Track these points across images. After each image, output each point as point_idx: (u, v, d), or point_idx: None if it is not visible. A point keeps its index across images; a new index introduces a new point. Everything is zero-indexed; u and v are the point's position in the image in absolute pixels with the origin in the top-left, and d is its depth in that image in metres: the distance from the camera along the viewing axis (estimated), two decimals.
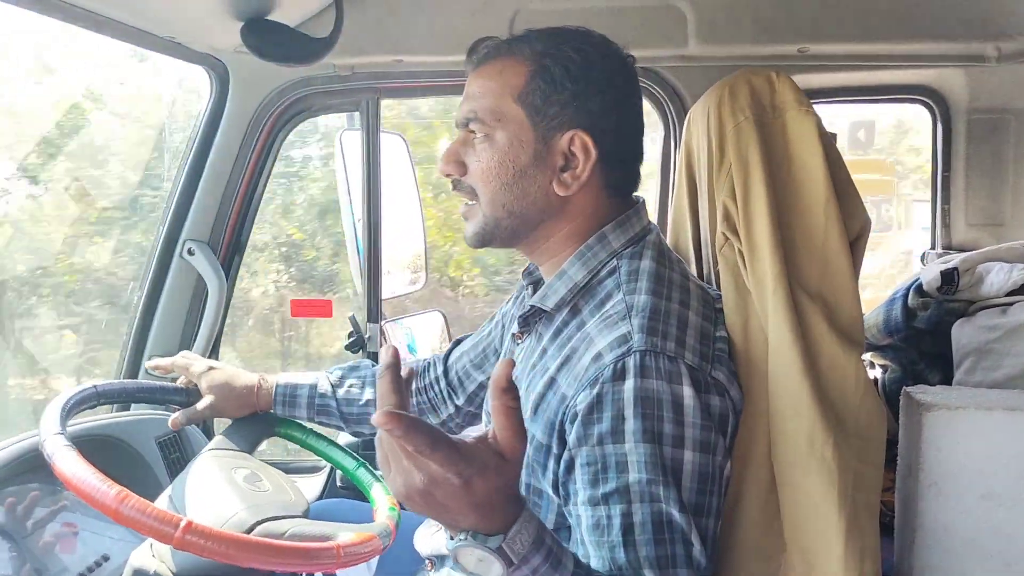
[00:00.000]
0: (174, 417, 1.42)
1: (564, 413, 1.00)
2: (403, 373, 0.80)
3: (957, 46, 1.73)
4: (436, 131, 4.51)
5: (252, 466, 1.31)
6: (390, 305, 2.08)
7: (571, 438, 0.98)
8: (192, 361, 1.49)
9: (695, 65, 1.80)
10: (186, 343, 1.87)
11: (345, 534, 1.15)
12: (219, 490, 1.21)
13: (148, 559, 1.19)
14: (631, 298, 1.04)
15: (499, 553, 0.79)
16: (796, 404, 1.02)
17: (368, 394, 1.48)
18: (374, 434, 0.81)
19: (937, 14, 1.69)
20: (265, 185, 1.93)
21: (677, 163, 1.69)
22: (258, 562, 1.05)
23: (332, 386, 1.50)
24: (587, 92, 1.09)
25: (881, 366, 1.67)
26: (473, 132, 1.11)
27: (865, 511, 1.01)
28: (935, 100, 1.90)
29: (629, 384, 0.96)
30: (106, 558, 1.37)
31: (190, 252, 1.85)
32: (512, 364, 0.76)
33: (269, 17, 1.51)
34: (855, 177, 1.16)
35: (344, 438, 1.78)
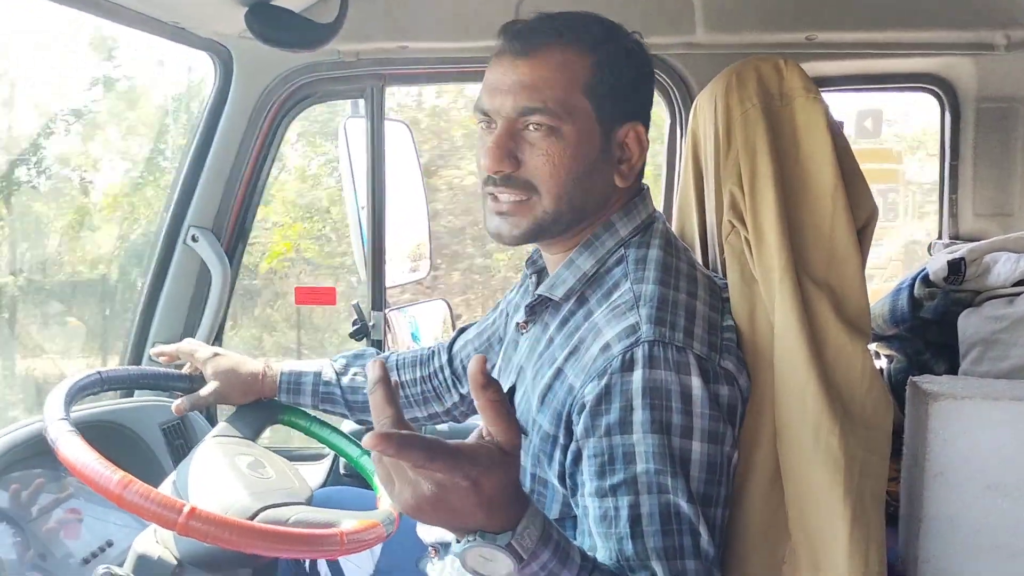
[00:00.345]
0: (178, 403, 1.41)
1: (571, 404, 1.00)
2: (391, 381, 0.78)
3: (966, 34, 1.71)
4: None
5: (256, 453, 1.31)
6: (391, 293, 2.07)
7: (578, 429, 0.98)
8: (197, 347, 1.49)
9: (702, 53, 1.78)
10: (190, 330, 1.87)
11: (349, 521, 1.15)
12: (223, 477, 1.21)
13: (152, 545, 1.19)
14: (639, 287, 1.04)
15: (509, 550, 0.79)
16: (802, 393, 1.01)
17: None
18: None
19: (946, 2, 1.68)
20: (269, 172, 1.92)
21: (683, 151, 1.68)
22: (261, 548, 1.06)
23: (336, 374, 1.50)
24: (639, 83, 1.09)
25: (887, 356, 1.66)
26: (531, 125, 1.04)
27: (871, 500, 1.00)
28: (943, 89, 1.88)
29: (637, 375, 0.95)
30: (110, 543, 1.38)
31: (194, 239, 1.84)
32: (484, 360, 0.75)
33: (273, 2, 1.50)
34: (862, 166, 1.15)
35: (348, 426, 1.78)
